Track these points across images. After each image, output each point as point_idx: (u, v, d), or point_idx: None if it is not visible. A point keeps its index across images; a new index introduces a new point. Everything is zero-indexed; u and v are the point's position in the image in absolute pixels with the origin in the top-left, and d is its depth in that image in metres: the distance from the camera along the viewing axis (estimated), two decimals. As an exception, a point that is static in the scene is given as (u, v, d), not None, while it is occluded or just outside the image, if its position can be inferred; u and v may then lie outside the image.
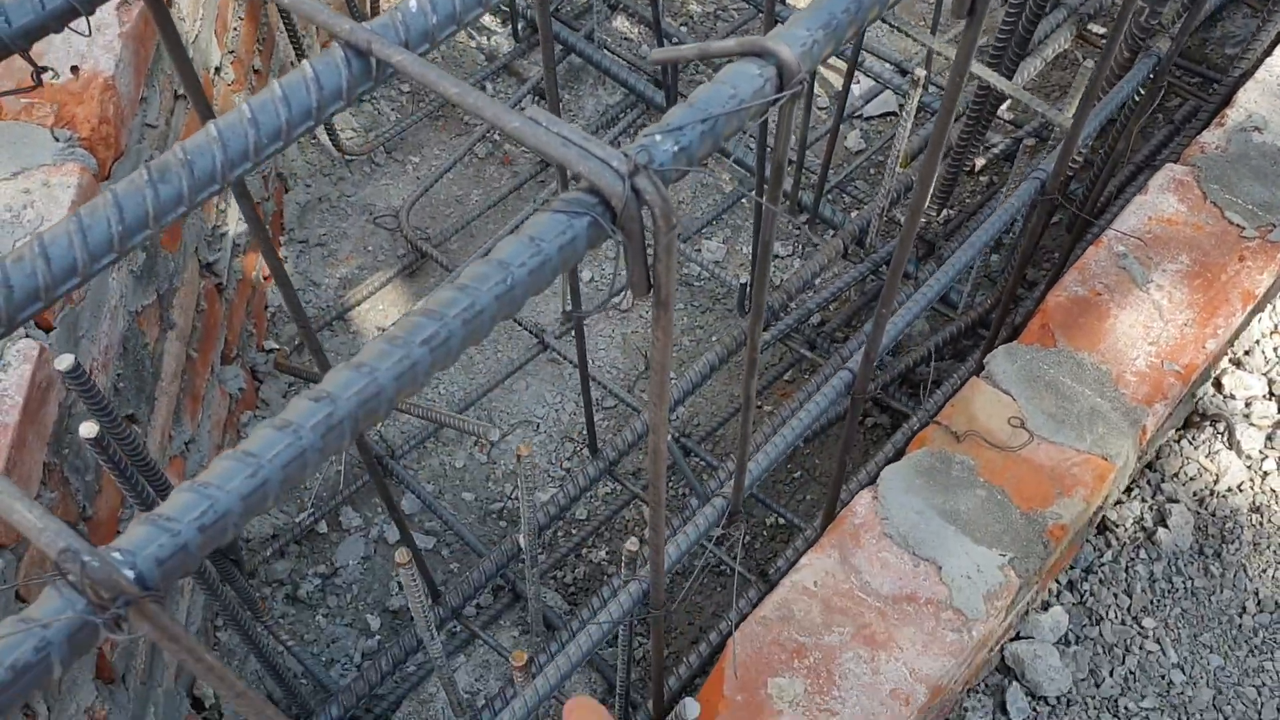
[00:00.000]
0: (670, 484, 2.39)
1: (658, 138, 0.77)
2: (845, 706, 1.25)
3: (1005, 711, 2.08)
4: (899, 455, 2.08)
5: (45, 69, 0.87)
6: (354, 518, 2.32)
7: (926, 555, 1.35)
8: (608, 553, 2.31)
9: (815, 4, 0.83)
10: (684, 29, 3.11)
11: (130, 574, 0.54)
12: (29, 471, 1.43)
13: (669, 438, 2.28)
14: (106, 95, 1.65)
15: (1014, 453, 1.41)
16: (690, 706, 1.23)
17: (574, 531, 2.32)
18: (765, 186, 2.11)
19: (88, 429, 1.28)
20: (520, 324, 2.54)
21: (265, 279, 2.53)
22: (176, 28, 0.99)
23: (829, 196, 2.71)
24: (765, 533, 2.37)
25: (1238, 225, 1.64)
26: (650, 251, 0.81)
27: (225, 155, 0.75)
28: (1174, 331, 1.54)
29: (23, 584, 1.38)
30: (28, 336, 1.45)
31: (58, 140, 1.59)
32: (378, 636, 2.19)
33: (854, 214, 2.70)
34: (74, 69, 1.63)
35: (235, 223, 2.33)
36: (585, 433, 2.44)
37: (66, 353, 1.48)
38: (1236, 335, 1.71)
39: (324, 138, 2.73)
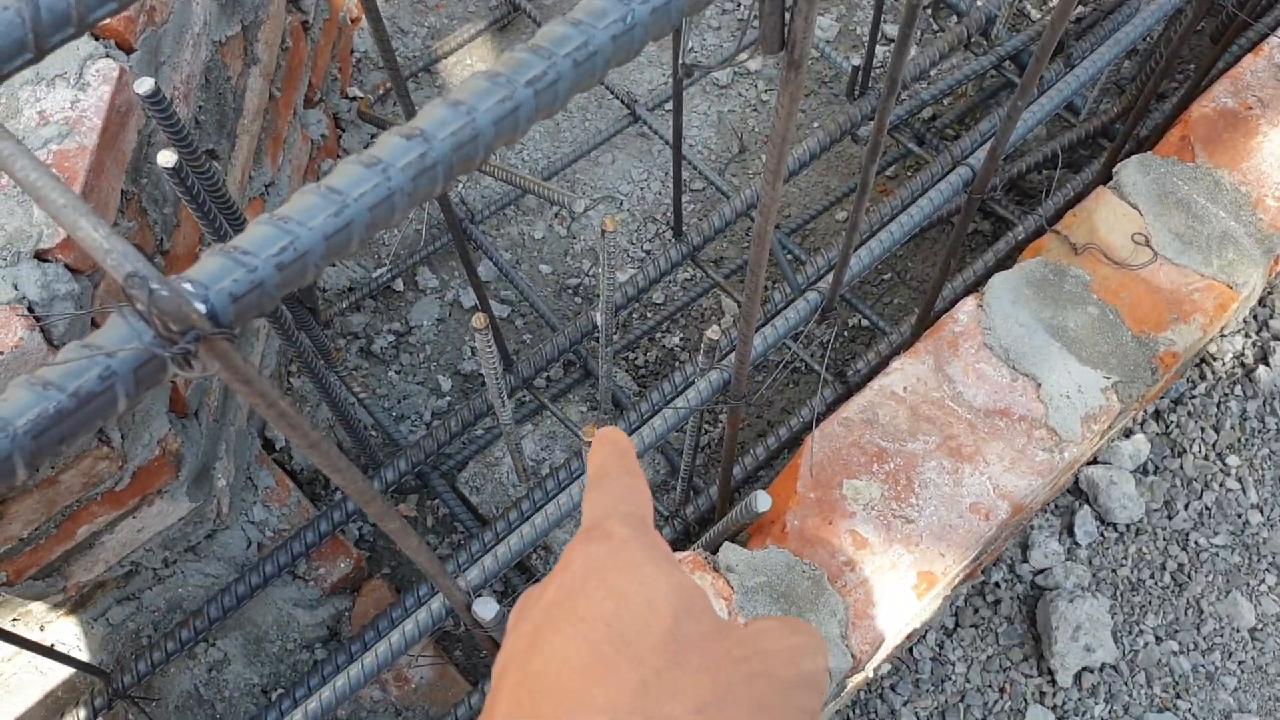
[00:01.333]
0: (753, 273, 2.32)
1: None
2: (922, 515, 1.21)
3: (1072, 533, 2.05)
4: (1003, 264, 1.98)
5: None
6: (430, 279, 2.29)
7: (1026, 370, 1.27)
8: (681, 338, 2.27)
9: None
10: None
11: (202, 307, 0.49)
12: (106, 198, 1.39)
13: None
14: None
15: (1134, 271, 1.32)
16: (761, 499, 1.19)
17: (649, 315, 2.28)
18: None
19: (166, 157, 1.23)
20: (612, 91, 2.42)
21: (353, 21, 2.43)
22: None
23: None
24: (846, 334, 2.30)
25: None
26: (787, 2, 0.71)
27: None
28: (1330, 156, 1.40)
29: (97, 311, 1.36)
30: (108, 56, 1.39)
31: None
32: (448, 397, 2.20)
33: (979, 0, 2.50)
34: None
35: (324, -43, 2.22)
36: (670, 214, 2.36)
37: (146, 77, 1.42)
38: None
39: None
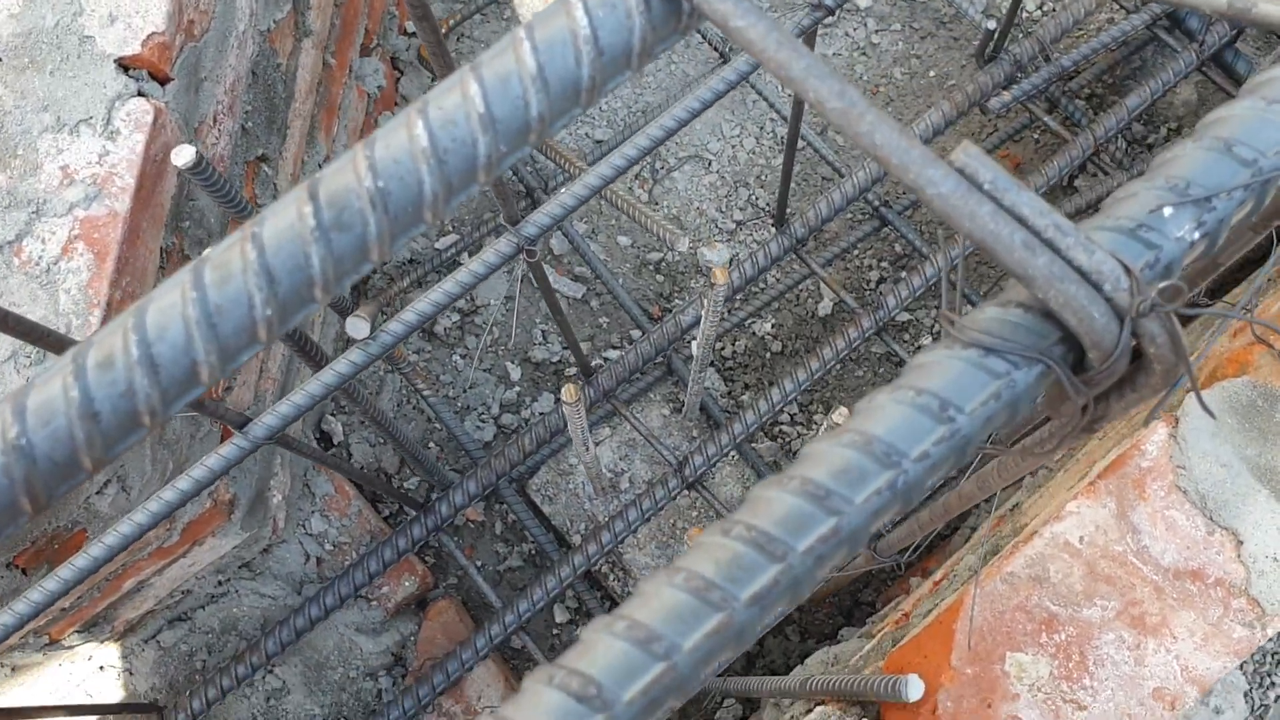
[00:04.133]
0: (859, 254, 2.09)
1: (1168, 213, 0.45)
2: (1096, 700, 1.04)
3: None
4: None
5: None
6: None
7: (1225, 523, 1.08)
8: (773, 325, 2.06)
9: None
10: None
11: None
12: (143, 265, 1.19)
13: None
14: None
15: (1364, 400, 1.10)
16: (914, 686, 1.02)
17: (739, 301, 2.06)
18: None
19: (184, 155, 1.02)
20: (704, 37, 2.15)
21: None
22: None
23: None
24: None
25: None
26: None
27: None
28: None
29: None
30: (140, 95, 1.16)
31: None
32: (517, 388, 2.02)
33: (1131, -65, 2.17)
34: None
35: (381, -116, 1.92)
36: (763, 178, 2.11)
37: (199, 115, 1.21)
38: None
39: None
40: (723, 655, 0.40)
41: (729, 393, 2.01)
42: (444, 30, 2.14)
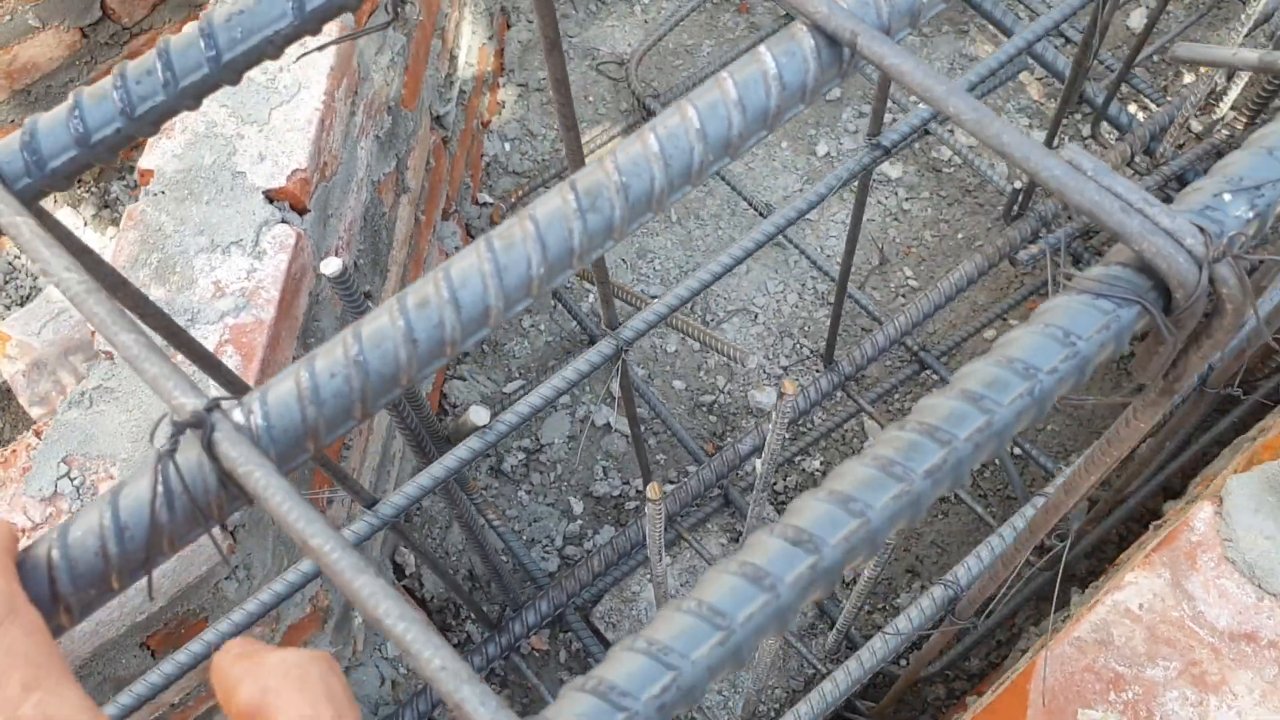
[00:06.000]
0: (900, 397, 2.22)
1: (1228, 197, 0.58)
2: (1166, 756, 1.11)
3: None
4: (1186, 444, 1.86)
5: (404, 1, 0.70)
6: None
7: (1274, 590, 1.17)
8: (822, 462, 2.17)
9: None
10: None
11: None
12: (282, 367, 1.33)
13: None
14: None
15: (1391, 478, 1.21)
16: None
17: (789, 438, 2.18)
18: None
19: (331, 265, 1.15)
20: (747, 200, 2.35)
21: (483, 125, 2.38)
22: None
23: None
24: (993, 465, 2.20)
25: None
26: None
27: (667, 176, 0.59)
28: None
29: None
30: (283, 222, 1.33)
31: None
32: (580, 520, 2.12)
33: (1134, 110, 2.40)
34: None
35: (464, 66, 2.16)
36: (806, 328, 2.27)
37: (325, 245, 1.36)
38: None
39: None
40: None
41: (783, 524, 2.11)
42: (513, 200, 2.35)
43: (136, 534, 0.51)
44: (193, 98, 0.61)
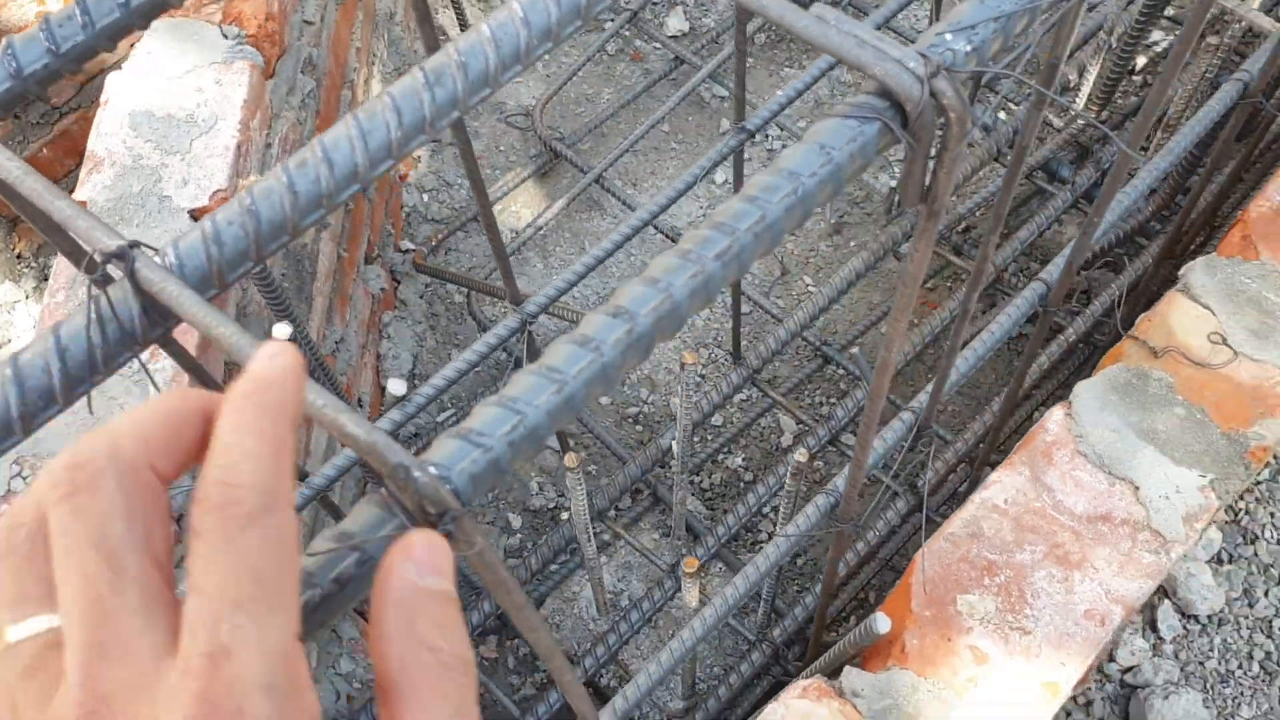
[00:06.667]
0: (809, 391, 2.37)
1: (948, 36, 0.72)
2: (1038, 625, 1.23)
3: (1156, 629, 2.05)
4: (1057, 366, 2.02)
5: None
6: (493, 418, 2.34)
7: (1122, 475, 1.31)
8: (743, 459, 2.30)
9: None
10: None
11: (449, 489, 0.53)
12: (214, 370, 1.44)
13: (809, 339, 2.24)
14: (271, -10, 1.63)
15: (1215, 369, 1.36)
16: (881, 621, 1.21)
17: (710, 438, 2.31)
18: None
19: (281, 330, 1.28)
20: (657, 229, 2.50)
21: (401, 178, 2.52)
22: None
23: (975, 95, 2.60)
24: (902, 444, 2.33)
25: None
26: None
27: (498, 56, 0.72)
28: (1384, 245, 1.46)
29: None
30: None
31: (226, 38, 1.58)
32: (519, 535, 2.22)
33: (1001, 115, 2.60)
34: (242, -37, 1.61)
35: (376, 121, 2.32)
36: (719, 338, 2.41)
37: (284, 324, 1.49)
38: None
39: (454, 33, 2.68)
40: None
41: (710, 516, 2.22)
42: (433, 243, 2.49)
43: (75, 354, 0.63)
44: (37, 83, 0.73)
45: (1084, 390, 1.36)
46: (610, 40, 2.77)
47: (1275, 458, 2.26)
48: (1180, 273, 1.45)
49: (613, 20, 2.75)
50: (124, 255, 0.62)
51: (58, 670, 0.31)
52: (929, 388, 1.31)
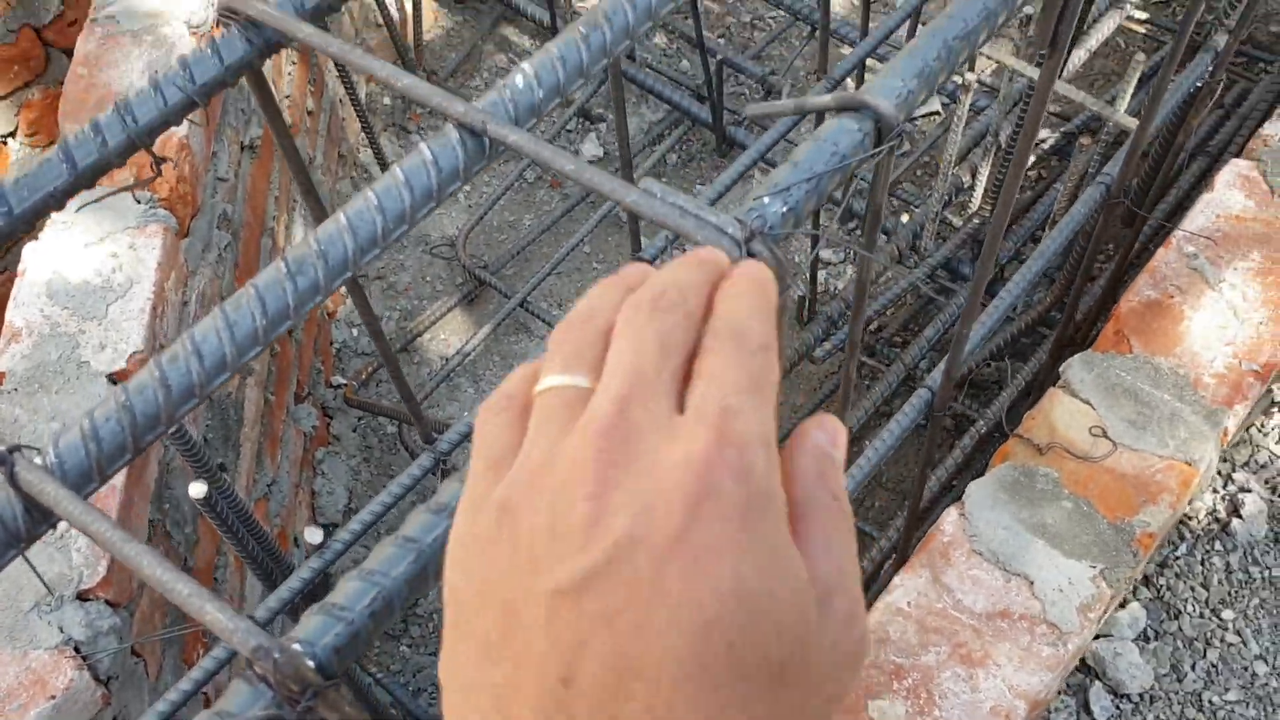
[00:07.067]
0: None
1: (766, 200, 0.79)
2: (949, 725, 1.27)
3: (1089, 710, 2.09)
4: (971, 458, 2.09)
5: (164, 159, 0.90)
6: (431, 547, 2.36)
7: (1017, 570, 1.36)
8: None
9: (909, 51, 0.85)
10: (722, 40, 3.13)
11: (311, 664, 0.57)
12: (137, 531, 1.47)
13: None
14: (182, 155, 1.70)
15: (1097, 463, 1.43)
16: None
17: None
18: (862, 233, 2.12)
19: (197, 489, 1.32)
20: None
21: (329, 315, 2.58)
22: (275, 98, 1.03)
23: (879, 201, 2.71)
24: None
25: (1306, 219, 1.65)
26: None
27: (355, 240, 0.77)
28: (1250, 331, 1.54)
29: (137, 641, 1.42)
30: (126, 398, 1.50)
31: (139, 203, 1.64)
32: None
33: (905, 218, 2.72)
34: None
35: (299, 264, 2.38)
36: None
37: (199, 482, 1.52)
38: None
39: (375, 171, 2.77)
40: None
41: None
42: (363, 376, 2.54)
43: (-36, 555, 0.67)
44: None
45: (976, 490, 1.42)
46: (528, 168, 2.87)
47: (1189, 532, 2.34)
48: (1060, 370, 1.52)
49: (529, 149, 2.84)
50: (4, 460, 0.67)
51: (579, 411, 0.39)
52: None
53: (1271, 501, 2.32)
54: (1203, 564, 2.25)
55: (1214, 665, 2.15)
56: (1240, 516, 2.32)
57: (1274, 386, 1.82)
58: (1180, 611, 2.20)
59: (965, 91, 2.04)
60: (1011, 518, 1.40)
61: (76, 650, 1.31)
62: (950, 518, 1.41)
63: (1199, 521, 2.29)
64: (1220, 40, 1.75)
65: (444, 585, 0.42)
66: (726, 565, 0.34)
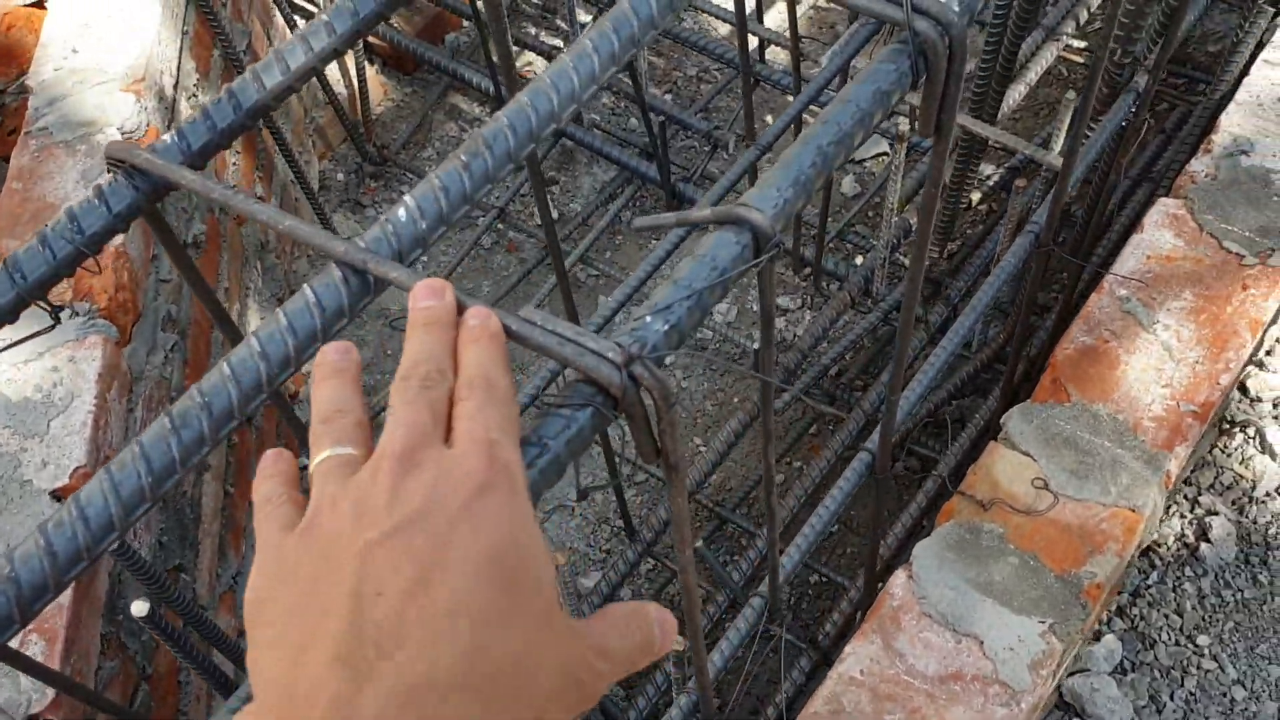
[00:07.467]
0: (713, 550, 2.42)
1: (648, 319, 0.80)
2: (905, 795, 1.26)
3: (1070, 750, 2.08)
4: (936, 501, 2.09)
5: (60, 306, 0.91)
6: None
7: (967, 631, 1.36)
8: (656, 630, 2.33)
9: (783, 162, 0.86)
10: (669, 96, 3.15)
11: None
12: (87, 646, 1.47)
13: (695, 542, 2.30)
14: (120, 263, 1.70)
15: (1041, 515, 1.43)
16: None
17: (621, 613, 2.34)
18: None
19: (139, 608, 1.31)
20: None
21: (291, 397, 2.58)
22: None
23: (830, 245, 2.74)
24: (810, 591, 2.38)
25: (1237, 254, 1.66)
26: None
27: (240, 390, 0.78)
28: (1186, 371, 1.55)
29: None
30: (70, 514, 1.49)
31: (77, 314, 1.64)
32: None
33: (858, 261, 2.73)
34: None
35: (256, 350, 2.38)
36: (617, 511, 2.46)
37: (142, 600, 1.52)
38: (1247, 364, 1.72)
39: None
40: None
41: (626, 697, 2.24)
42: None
43: None
44: None
45: (922, 551, 1.43)
46: (485, 234, 2.89)
47: (1159, 559, 2.33)
48: (1000, 422, 1.53)
49: (483, 217, 2.86)
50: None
51: (357, 468, 0.53)
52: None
53: (1239, 522, 2.32)
54: (1175, 591, 2.25)
55: (1193, 694, 2.14)
56: (1209, 540, 2.32)
57: (1233, 402, 1.82)
58: (1155, 641, 2.20)
59: (900, 142, 2.06)
60: (959, 577, 1.40)
61: (28, 778, 1.30)
62: (899, 580, 1.42)
63: (1168, 548, 2.29)
64: (1141, 81, 1.78)
65: (246, 626, 0.51)
66: (504, 523, 0.50)
